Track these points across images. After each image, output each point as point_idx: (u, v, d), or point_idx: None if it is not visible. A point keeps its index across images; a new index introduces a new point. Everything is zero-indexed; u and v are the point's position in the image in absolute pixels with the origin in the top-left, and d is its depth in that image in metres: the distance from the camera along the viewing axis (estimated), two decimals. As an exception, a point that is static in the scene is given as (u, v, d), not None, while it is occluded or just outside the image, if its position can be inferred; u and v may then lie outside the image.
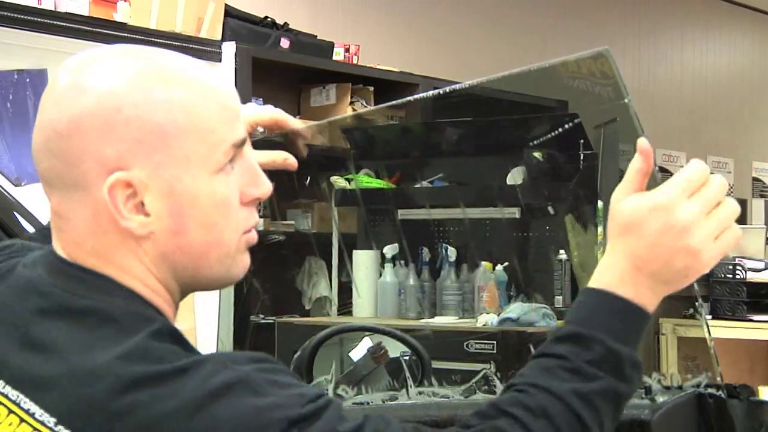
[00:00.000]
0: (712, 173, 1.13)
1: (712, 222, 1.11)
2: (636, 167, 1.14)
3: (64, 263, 1.08)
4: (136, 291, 1.07)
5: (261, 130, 1.52)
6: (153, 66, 1.06)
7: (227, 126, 1.08)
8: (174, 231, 1.06)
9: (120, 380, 0.97)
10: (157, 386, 0.97)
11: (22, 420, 1.00)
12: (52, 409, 0.99)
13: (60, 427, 0.98)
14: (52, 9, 3.51)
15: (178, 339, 1.04)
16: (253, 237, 1.14)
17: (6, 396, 1.01)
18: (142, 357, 0.99)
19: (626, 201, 1.13)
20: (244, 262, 1.14)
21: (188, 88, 1.06)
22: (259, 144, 1.48)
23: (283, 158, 1.51)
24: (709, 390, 1.53)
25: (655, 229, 1.10)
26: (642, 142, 1.15)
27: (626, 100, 1.49)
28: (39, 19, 3.46)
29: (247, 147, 1.13)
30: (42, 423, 0.99)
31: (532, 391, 1.07)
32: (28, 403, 1.00)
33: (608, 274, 1.13)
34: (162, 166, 1.04)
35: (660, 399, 1.50)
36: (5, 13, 3.37)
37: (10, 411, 1.01)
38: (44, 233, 1.22)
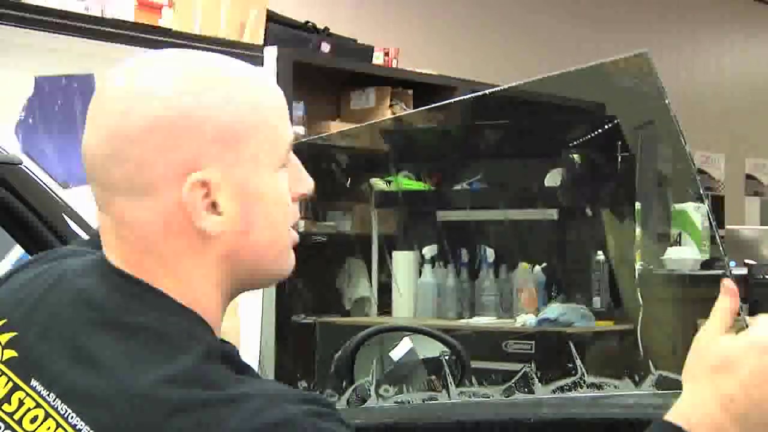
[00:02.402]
0: None
1: None
2: (723, 306, 1.12)
3: (119, 275, 1.06)
4: (190, 307, 1.05)
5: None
6: (212, 68, 1.07)
7: (285, 123, 1.10)
8: (242, 230, 1.05)
9: (168, 404, 0.96)
10: (204, 413, 0.95)
11: None
12: (97, 427, 0.98)
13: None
14: (99, 15, 3.54)
15: (229, 359, 1.02)
16: (296, 234, 1.13)
17: (56, 409, 1.00)
18: (193, 380, 0.97)
19: (719, 340, 1.10)
20: (293, 257, 1.13)
21: (249, 88, 1.08)
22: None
23: None
24: (749, 391, 1.51)
25: (751, 369, 1.07)
26: (727, 283, 1.13)
27: (665, 102, 1.47)
28: (86, 25, 3.49)
29: None
30: None
31: None
32: (74, 419, 0.99)
33: (693, 414, 1.08)
34: (233, 166, 1.04)
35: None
36: (53, 20, 3.41)
37: (59, 425, 0.99)
38: (95, 241, 1.18)
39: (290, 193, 1.11)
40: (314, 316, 4.03)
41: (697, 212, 4.49)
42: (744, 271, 4.04)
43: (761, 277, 3.95)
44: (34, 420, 1.00)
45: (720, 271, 4.12)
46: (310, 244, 4.10)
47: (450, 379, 1.67)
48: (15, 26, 3.33)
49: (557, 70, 1.58)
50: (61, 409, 0.99)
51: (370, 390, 1.69)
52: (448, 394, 1.64)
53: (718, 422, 1.07)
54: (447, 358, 1.79)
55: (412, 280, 4.16)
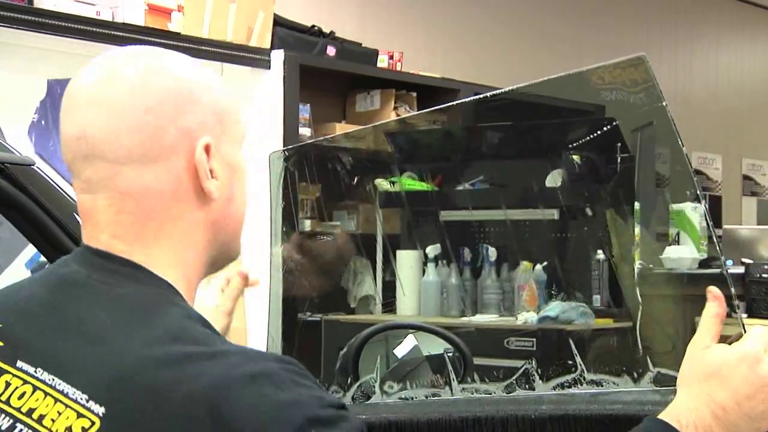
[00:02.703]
0: None
1: None
2: (711, 313, 1.17)
3: (98, 255, 1.11)
4: (168, 280, 1.10)
5: None
6: (195, 60, 1.19)
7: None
8: (228, 197, 1.14)
9: (154, 359, 1.00)
10: (188, 365, 1.00)
11: (57, 400, 1.02)
12: (84, 388, 1.01)
13: (91, 403, 1.00)
14: (110, 20, 3.55)
15: (207, 324, 1.07)
16: None
17: (44, 381, 1.03)
18: (176, 338, 1.03)
19: (712, 349, 1.14)
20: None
21: (220, 81, 1.18)
22: (297, 159, 1.49)
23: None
24: (746, 387, 1.50)
25: (743, 380, 1.11)
26: (713, 290, 1.18)
27: (663, 104, 1.47)
28: (97, 29, 3.49)
29: None
30: (75, 401, 1.01)
31: None
32: (63, 385, 1.02)
33: (685, 417, 1.12)
34: (223, 139, 1.13)
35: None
36: (66, 24, 3.41)
37: (47, 394, 1.03)
38: None
39: None
40: (320, 314, 4.03)
41: (694, 212, 4.48)
42: (741, 269, 4.04)
43: (758, 275, 3.95)
44: (21, 396, 1.03)
45: (718, 270, 4.12)
46: (316, 242, 4.10)
47: (453, 375, 1.66)
48: (28, 30, 3.33)
49: (557, 73, 1.58)
50: (49, 380, 1.03)
51: (374, 386, 1.68)
52: (451, 391, 1.64)
53: (707, 427, 1.11)
54: (450, 355, 1.78)
55: (415, 278, 4.16)
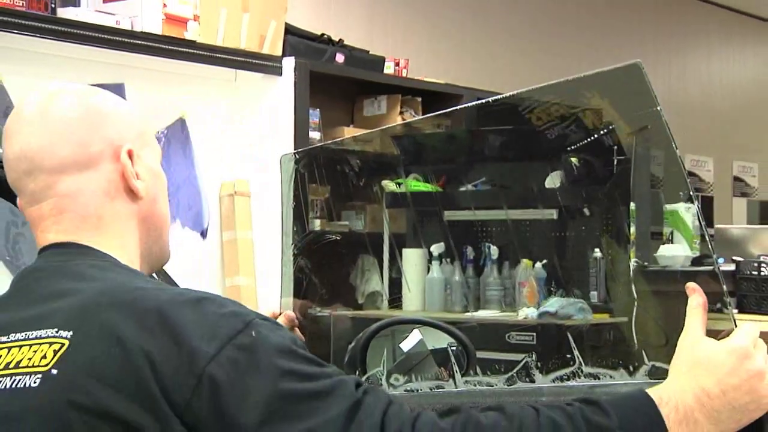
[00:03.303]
0: None
1: None
2: (695, 303, 1.20)
3: (50, 247, 1.24)
4: (121, 260, 1.24)
5: None
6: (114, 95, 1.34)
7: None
8: (152, 198, 1.28)
9: (110, 291, 1.14)
10: (138, 293, 1.13)
11: (30, 346, 1.13)
12: (52, 326, 1.13)
13: (61, 332, 1.12)
14: (129, 29, 3.55)
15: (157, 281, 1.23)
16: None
17: (14, 340, 1.15)
18: (132, 276, 1.19)
19: (704, 341, 1.16)
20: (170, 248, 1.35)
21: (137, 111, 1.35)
22: (308, 161, 1.50)
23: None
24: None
25: (730, 372, 1.12)
26: (690, 284, 1.22)
27: (657, 109, 1.47)
28: (117, 38, 3.49)
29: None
30: (46, 337, 1.13)
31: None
32: (33, 333, 1.14)
33: (667, 395, 1.13)
34: (145, 150, 1.28)
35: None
36: (87, 33, 3.41)
37: (21, 346, 1.14)
38: None
39: None
40: (329, 309, 4.03)
41: (687, 212, 4.47)
42: (732, 267, 4.03)
43: (748, 273, 3.94)
44: None
45: (710, 267, 4.10)
46: (325, 242, 4.10)
47: (456, 368, 1.66)
48: (53, 39, 3.34)
49: (557, 79, 1.58)
50: (21, 336, 1.16)
51: (381, 379, 1.68)
52: (455, 383, 1.63)
53: (689, 408, 1.12)
54: (453, 349, 1.78)
55: (420, 275, 4.16)
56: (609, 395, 1.16)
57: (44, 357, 1.10)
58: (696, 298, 1.20)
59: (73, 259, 1.21)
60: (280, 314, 1.76)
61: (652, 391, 1.14)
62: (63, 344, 1.10)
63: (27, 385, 1.10)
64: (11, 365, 1.12)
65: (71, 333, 1.11)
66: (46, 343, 1.12)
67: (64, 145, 1.23)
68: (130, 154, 1.25)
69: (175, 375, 1.05)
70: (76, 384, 1.07)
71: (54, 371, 1.09)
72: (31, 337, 1.13)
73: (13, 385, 1.11)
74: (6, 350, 1.14)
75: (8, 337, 1.15)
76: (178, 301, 1.10)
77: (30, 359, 1.11)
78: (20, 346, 1.13)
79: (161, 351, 1.06)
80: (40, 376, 1.10)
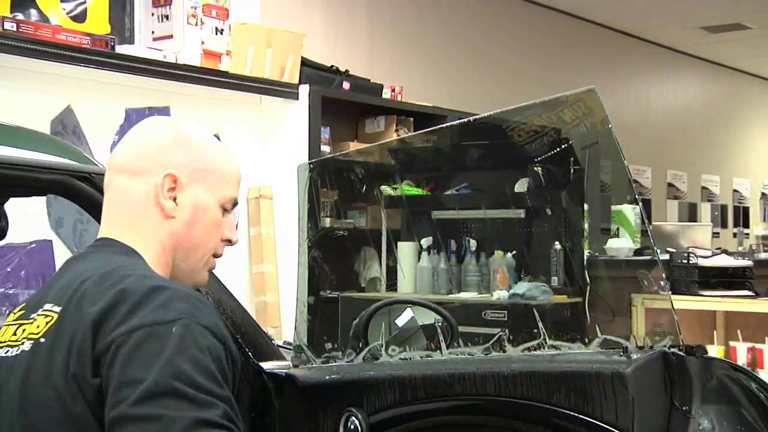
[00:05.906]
0: None
1: None
2: None
3: (101, 239, 1.24)
4: (146, 259, 1.22)
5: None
6: (203, 130, 1.30)
7: (236, 185, 1.31)
8: (187, 222, 1.24)
9: (98, 275, 1.13)
10: (116, 278, 1.12)
11: (44, 316, 1.16)
12: (52, 300, 1.17)
13: (55, 307, 1.15)
14: (174, 61, 3.54)
15: (162, 277, 1.18)
16: (215, 262, 1.30)
17: (48, 309, 1.17)
18: (124, 266, 1.15)
19: None
20: (205, 274, 1.30)
21: (223, 150, 1.30)
22: (320, 170, 1.48)
23: None
24: (672, 349, 1.49)
25: None
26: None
27: (609, 127, 1.46)
28: (163, 69, 3.48)
29: (236, 209, 1.35)
30: (48, 310, 1.16)
31: None
32: (48, 306, 1.17)
33: None
34: (197, 181, 1.25)
35: (634, 356, 1.46)
36: (140, 65, 3.40)
37: (44, 315, 1.16)
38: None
39: (224, 234, 1.29)
40: (337, 292, 4.02)
41: (631, 212, 4.47)
42: (667, 256, 4.02)
43: (679, 261, 3.93)
44: (24, 329, 1.17)
45: (650, 257, 4.11)
46: (334, 236, 4.09)
47: (442, 340, 1.65)
48: (112, 71, 3.33)
49: (526, 102, 1.57)
50: (48, 307, 1.16)
51: (381, 350, 1.67)
52: (441, 353, 1.62)
53: None
54: (440, 324, 1.77)
55: (413, 264, 4.15)
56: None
57: (38, 327, 1.14)
58: None
59: (99, 251, 1.23)
60: None
61: None
62: (52, 318, 1.13)
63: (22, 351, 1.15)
64: (25, 333, 1.16)
65: (59, 308, 1.14)
66: (46, 316, 1.15)
67: (129, 152, 1.26)
68: (173, 180, 1.23)
69: (104, 335, 1.06)
70: (57, 350, 1.10)
71: (42, 339, 1.13)
72: (45, 308, 1.17)
73: (22, 349, 1.15)
74: (42, 318, 1.17)
75: (51, 306, 1.17)
76: (139, 285, 1.09)
77: (38, 326, 1.15)
78: (44, 316, 1.16)
79: (106, 314, 1.07)
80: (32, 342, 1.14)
